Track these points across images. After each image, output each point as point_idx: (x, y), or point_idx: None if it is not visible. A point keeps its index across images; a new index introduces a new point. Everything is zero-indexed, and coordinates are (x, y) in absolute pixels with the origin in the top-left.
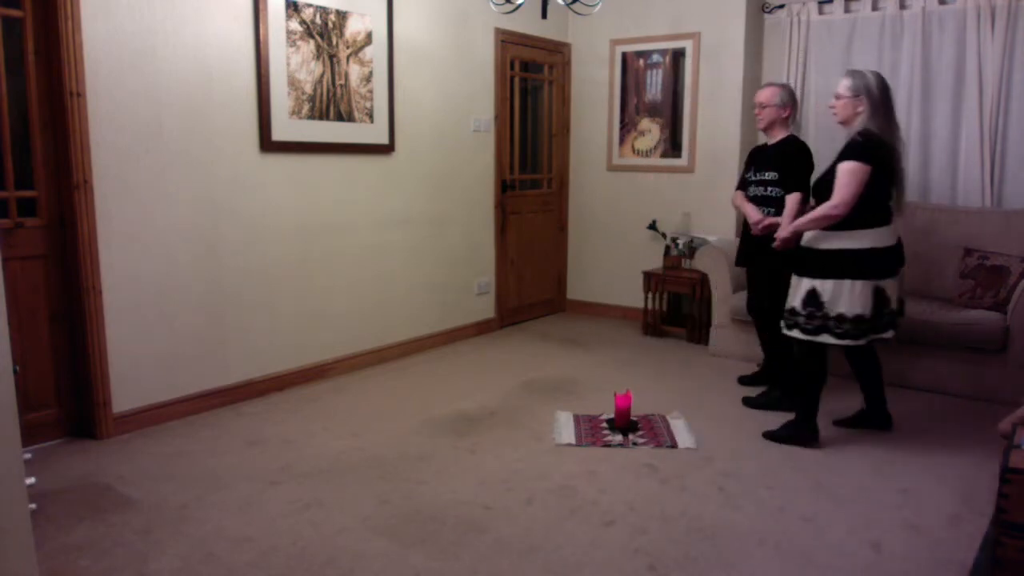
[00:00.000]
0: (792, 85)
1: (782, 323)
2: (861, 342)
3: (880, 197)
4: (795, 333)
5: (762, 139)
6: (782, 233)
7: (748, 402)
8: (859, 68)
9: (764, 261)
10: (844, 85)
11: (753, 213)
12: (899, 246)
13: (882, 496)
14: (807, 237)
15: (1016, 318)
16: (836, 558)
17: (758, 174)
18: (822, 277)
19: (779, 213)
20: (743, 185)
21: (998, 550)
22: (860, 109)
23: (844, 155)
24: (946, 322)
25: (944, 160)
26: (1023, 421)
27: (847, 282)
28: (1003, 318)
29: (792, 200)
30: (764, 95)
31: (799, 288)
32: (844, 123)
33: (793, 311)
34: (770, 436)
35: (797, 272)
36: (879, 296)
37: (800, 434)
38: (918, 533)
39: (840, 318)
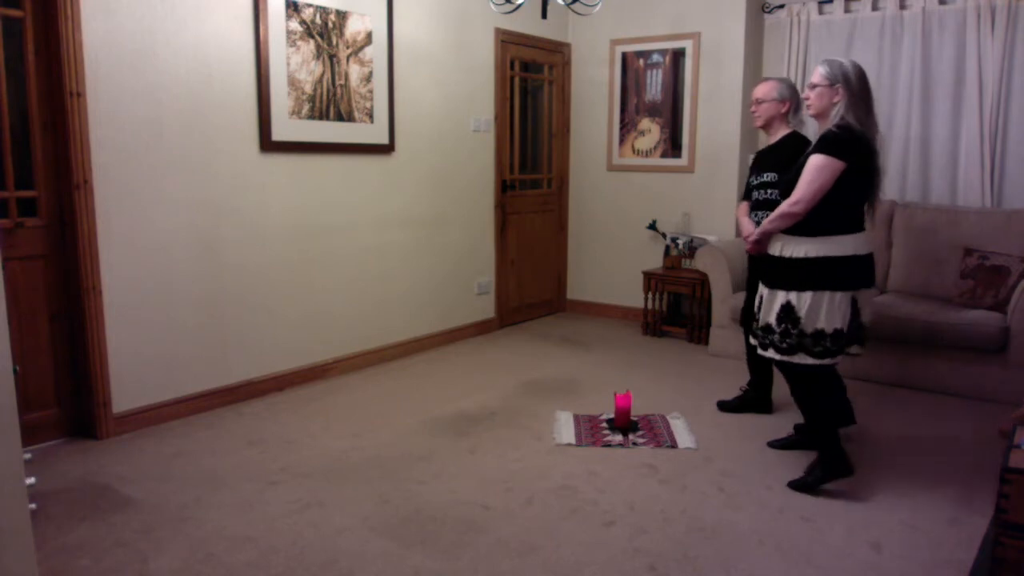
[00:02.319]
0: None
1: (755, 342)
2: (838, 360)
3: (856, 200)
4: (770, 353)
5: (762, 141)
6: (751, 236)
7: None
8: (834, 57)
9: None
10: (819, 73)
11: (747, 227)
12: (872, 257)
13: (882, 496)
14: (777, 244)
15: (1016, 318)
16: (836, 558)
17: (760, 177)
18: (798, 289)
19: None
20: (747, 193)
21: (998, 550)
22: (836, 99)
23: (817, 148)
24: (946, 322)
25: (944, 160)
26: (1023, 421)
27: (826, 294)
28: (1003, 318)
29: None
30: (761, 90)
31: (773, 302)
32: (818, 115)
33: (768, 328)
34: (798, 486)
35: (770, 284)
36: (855, 308)
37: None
38: (918, 533)
39: (818, 335)
